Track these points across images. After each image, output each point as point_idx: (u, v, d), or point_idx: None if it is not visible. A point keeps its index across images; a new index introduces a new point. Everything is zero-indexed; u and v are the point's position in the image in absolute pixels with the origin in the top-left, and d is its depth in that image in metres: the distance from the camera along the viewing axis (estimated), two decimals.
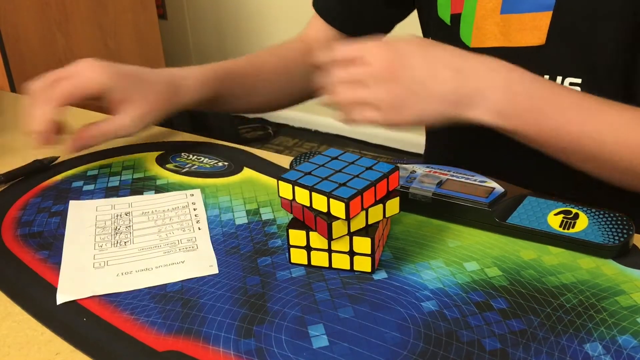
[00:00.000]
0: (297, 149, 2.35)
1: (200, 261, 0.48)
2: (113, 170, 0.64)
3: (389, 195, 0.46)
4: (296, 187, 0.45)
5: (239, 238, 0.51)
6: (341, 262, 0.46)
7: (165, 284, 0.46)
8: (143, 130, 0.64)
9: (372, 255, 0.45)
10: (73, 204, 0.57)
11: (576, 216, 0.49)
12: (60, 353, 0.40)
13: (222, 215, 0.55)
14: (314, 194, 0.44)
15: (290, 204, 0.47)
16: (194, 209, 0.56)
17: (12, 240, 0.52)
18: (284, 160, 0.65)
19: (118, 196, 0.59)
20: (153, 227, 0.53)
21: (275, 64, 0.76)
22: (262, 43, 2.45)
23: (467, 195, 0.52)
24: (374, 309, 0.42)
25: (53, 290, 0.45)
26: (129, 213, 0.56)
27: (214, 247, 0.50)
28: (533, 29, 0.59)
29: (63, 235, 0.52)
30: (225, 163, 0.65)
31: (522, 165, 0.61)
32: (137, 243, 0.51)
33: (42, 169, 0.64)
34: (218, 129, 2.19)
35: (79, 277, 0.47)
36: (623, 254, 0.47)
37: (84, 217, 0.55)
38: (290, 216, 0.48)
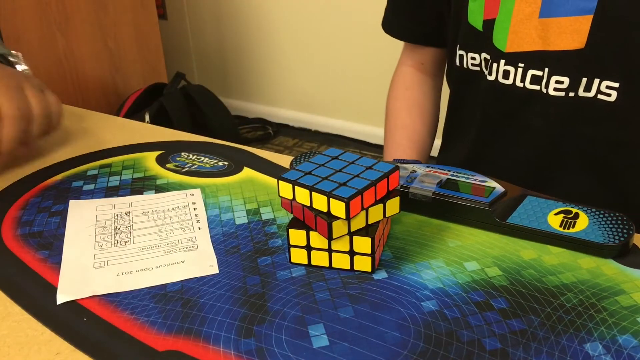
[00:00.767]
0: (297, 149, 2.35)
1: (200, 261, 0.48)
2: (113, 170, 0.64)
3: (389, 195, 0.46)
4: (296, 187, 0.45)
5: (239, 238, 0.51)
6: (341, 261, 0.46)
7: (165, 283, 0.46)
8: None
9: (372, 255, 0.45)
10: (73, 204, 0.57)
11: (576, 216, 0.49)
12: (60, 353, 0.40)
13: (222, 215, 0.55)
14: (314, 193, 0.44)
15: (290, 204, 0.47)
16: (194, 209, 0.56)
17: (12, 240, 0.52)
18: (284, 160, 0.65)
19: (118, 196, 0.59)
20: (153, 226, 0.53)
21: (420, 117, 0.84)
22: (262, 43, 2.45)
23: (467, 195, 0.52)
24: (374, 308, 0.42)
25: (53, 290, 0.45)
26: (129, 213, 0.56)
27: (214, 247, 0.50)
28: (573, 32, 0.59)
29: (63, 235, 0.52)
30: (225, 163, 0.65)
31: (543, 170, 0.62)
32: (137, 243, 0.51)
33: None
34: (218, 129, 2.19)
35: (79, 277, 0.47)
36: (623, 254, 0.47)
37: (84, 216, 0.55)
38: (290, 216, 0.48)
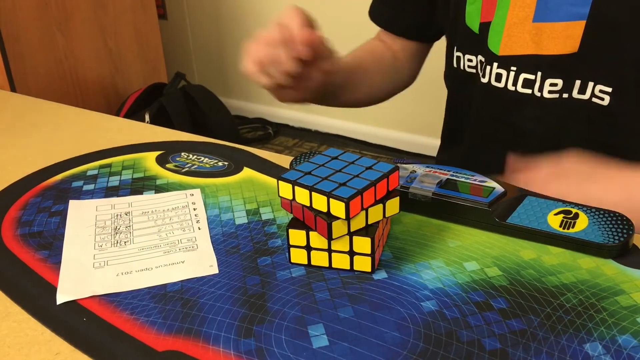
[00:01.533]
0: (297, 149, 2.35)
1: (200, 261, 0.48)
2: (113, 170, 0.64)
3: (389, 195, 0.46)
4: (296, 187, 0.45)
5: (239, 238, 0.51)
6: (341, 262, 0.46)
7: (165, 284, 0.46)
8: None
9: (372, 255, 0.45)
10: (73, 204, 0.57)
11: (576, 216, 0.49)
12: (60, 353, 0.40)
13: (222, 215, 0.55)
14: (314, 193, 0.44)
15: (290, 204, 0.47)
16: (194, 209, 0.56)
17: (12, 240, 0.52)
18: (284, 160, 0.65)
19: (118, 196, 0.59)
20: (153, 226, 0.53)
21: (374, 60, 0.82)
22: None
23: (467, 195, 0.52)
24: (374, 308, 0.42)
25: (53, 290, 0.45)
26: (128, 213, 0.56)
27: (214, 247, 0.50)
28: (566, 37, 0.59)
29: (63, 235, 0.52)
30: (225, 163, 0.65)
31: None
32: (137, 243, 0.51)
33: None
34: (218, 129, 2.19)
35: (79, 277, 0.47)
36: (623, 254, 0.47)
37: (83, 216, 0.55)
38: (290, 216, 0.48)
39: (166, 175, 0.63)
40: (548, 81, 0.62)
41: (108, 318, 0.42)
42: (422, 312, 0.42)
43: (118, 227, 0.53)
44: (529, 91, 0.64)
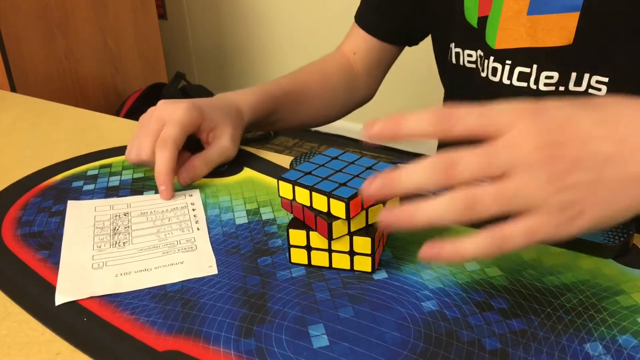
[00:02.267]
0: (297, 149, 2.35)
1: (199, 262, 0.48)
2: (113, 170, 0.64)
3: None
4: (296, 187, 0.45)
5: (239, 238, 0.51)
6: (341, 262, 0.46)
7: (165, 284, 0.46)
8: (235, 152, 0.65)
9: (372, 255, 0.45)
10: (71, 204, 0.57)
11: None
12: (61, 353, 0.40)
13: (222, 215, 0.55)
14: (314, 193, 0.44)
15: (290, 204, 0.47)
16: (193, 210, 0.56)
17: (12, 240, 0.52)
18: (284, 160, 0.65)
19: (118, 196, 0.59)
20: (152, 227, 0.53)
21: (319, 80, 0.80)
22: (262, 43, 2.45)
23: None
24: (374, 308, 0.42)
25: (53, 290, 0.45)
26: (127, 213, 0.56)
27: (214, 247, 0.50)
28: (560, 29, 0.60)
29: (63, 235, 0.52)
30: (225, 163, 0.65)
31: None
32: (136, 244, 0.51)
33: None
34: None
35: (78, 278, 0.47)
36: (623, 254, 0.47)
37: (82, 217, 0.55)
38: (290, 216, 0.48)
39: None
40: (544, 74, 0.62)
41: (108, 318, 0.42)
42: (423, 312, 0.42)
43: (117, 228, 0.53)
44: (524, 84, 0.64)
